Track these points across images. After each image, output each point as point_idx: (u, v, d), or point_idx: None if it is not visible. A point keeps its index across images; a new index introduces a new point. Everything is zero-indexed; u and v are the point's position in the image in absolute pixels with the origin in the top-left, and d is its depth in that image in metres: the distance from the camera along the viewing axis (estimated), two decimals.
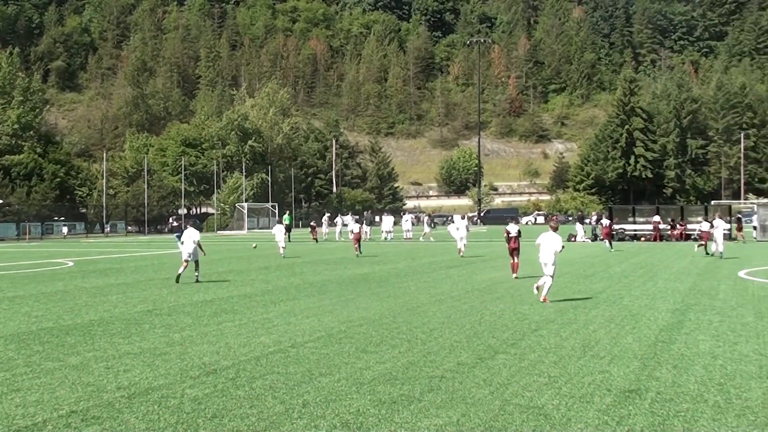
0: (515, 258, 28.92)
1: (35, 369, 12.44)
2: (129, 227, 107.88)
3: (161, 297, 23.21)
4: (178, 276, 27.92)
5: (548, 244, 20.84)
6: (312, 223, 72.90)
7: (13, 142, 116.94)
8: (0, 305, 21.64)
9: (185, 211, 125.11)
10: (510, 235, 29.36)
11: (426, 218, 55.40)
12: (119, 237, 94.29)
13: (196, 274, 28.54)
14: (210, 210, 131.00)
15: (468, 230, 42.79)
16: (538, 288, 21.38)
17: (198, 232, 29.38)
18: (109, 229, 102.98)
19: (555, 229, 21.15)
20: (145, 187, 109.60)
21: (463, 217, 48.49)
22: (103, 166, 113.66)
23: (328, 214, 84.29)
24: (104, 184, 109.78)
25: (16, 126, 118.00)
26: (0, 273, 34.80)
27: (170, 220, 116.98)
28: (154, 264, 39.58)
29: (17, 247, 69.10)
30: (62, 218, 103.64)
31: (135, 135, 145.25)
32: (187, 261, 28.25)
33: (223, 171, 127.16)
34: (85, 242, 77.13)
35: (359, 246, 44.32)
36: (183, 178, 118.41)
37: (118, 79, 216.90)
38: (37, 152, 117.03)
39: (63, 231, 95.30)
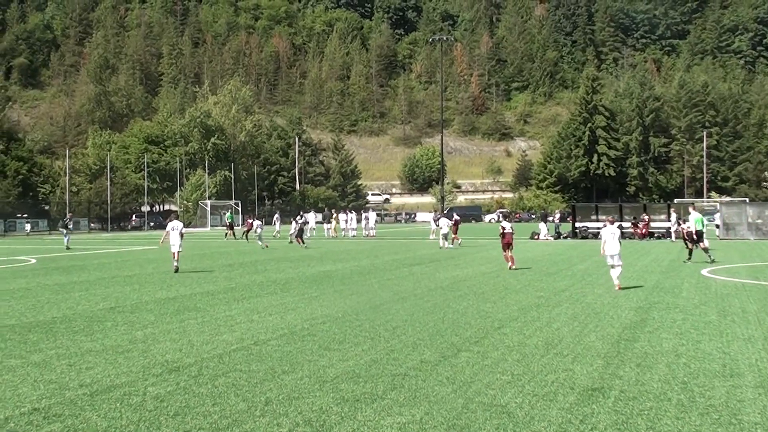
0: (509, 252, 31.74)
1: None
2: (92, 224, 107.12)
3: (124, 294, 23.08)
4: (176, 268, 30.97)
5: (613, 236, 23.38)
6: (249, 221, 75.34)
7: None
8: None
9: (148, 208, 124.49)
10: (504, 231, 31.98)
11: (436, 217, 55.10)
12: (82, 234, 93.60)
13: (176, 264, 31.13)
14: (173, 207, 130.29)
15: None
16: (619, 287, 23.12)
17: (182, 224, 32.53)
18: (71, 226, 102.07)
19: (612, 223, 23.99)
20: (108, 184, 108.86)
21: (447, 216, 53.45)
22: (66, 164, 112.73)
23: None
24: (67, 181, 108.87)
25: None
26: None
27: (133, 217, 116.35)
28: (117, 261, 39.34)
29: None
30: (25, 215, 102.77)
31: (98, 132, 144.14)
32: (174, 252, 31.10)
33: (186, 168, 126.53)
34: (48, 239, 76.50)
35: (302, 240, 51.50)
36: (146, 175, 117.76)
37: (81, 76, 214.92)
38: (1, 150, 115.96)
39: (26, 228, 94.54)
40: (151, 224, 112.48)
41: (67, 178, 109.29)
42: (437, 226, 50.73)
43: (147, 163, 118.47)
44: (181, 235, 31.52)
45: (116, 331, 15.85)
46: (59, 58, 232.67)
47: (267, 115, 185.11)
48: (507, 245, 31.81)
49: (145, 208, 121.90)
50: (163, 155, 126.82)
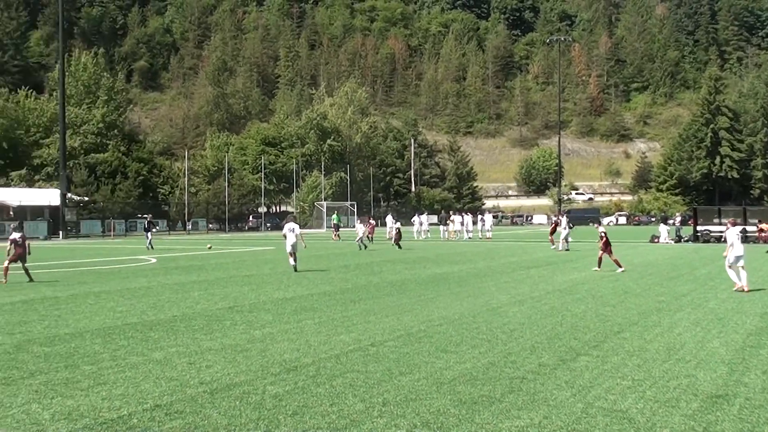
0: (611, 255, 31.99)
1: (120, 363, 12.65)
2: (210, 225, 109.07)
3: (242, 294, 23.41)
4: (294, 267, 31.93)
5: (739, 238, 23.32)
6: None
7: (98, 140, 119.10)
8: (86, 300, 22.06)
9: (265, 209, 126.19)
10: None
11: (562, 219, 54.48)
12: (200, 234, 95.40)
13: (294, 263, 32.01)
14: (289, 208, 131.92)
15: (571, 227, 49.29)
16: (741, 289, 23.05)
17: (298, 225, 33.21)
18: (190, 226, 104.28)
19: (734, 225, 23.95)
20: (226, 185, 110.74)
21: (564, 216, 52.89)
22: (185, 165, 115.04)
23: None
24: (186, 182, 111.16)
25: (101, 125, 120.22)
26: (86, 269, 35.45)
27: (250, 218, 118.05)
28: (235, 261, 39.93)
29: (102, 243, 70.36)
30: (145, 216, 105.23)
31: (216, 134, 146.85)
32: (291, 253, 31.99)
33: (302, 170, 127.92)
34: (167, 239, 78.16)
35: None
36: (263, 176, 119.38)
37: (199, 78, 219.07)
38: (121, 151, 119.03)
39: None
40: (268, 225, 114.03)
41: (185, 179, 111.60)
42: (570, 228, 50.06)
43: (264, 164, 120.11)
44: (298, 236, 32.18)
45: (235, 330, 16.09)
46: (178, 61, 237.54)
47: (383, 116, 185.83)
48: (606, 247, 32.09)
49: (262, 209, 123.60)
50: (279, 157, 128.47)
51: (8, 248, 28.35)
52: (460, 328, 16.32)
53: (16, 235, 28.43)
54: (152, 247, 54.14)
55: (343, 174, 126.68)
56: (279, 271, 32.95)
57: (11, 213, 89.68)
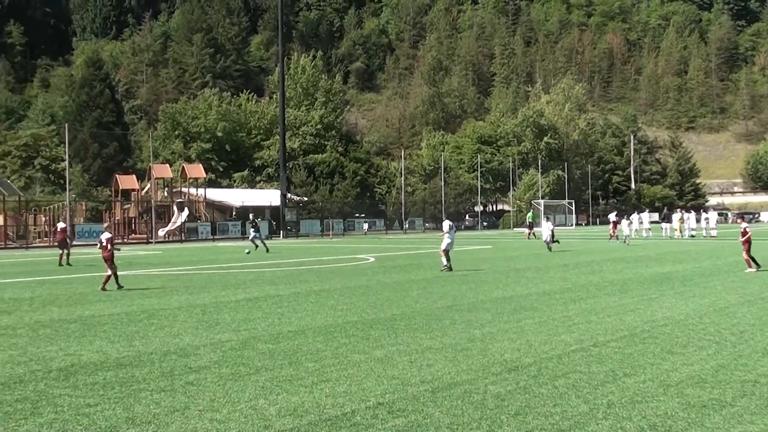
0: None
1: (342, 361, 12.88)
2: (426, 224, 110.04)
3: (461, 293, 23.46)
4: (448, 267, 31.63)
5: None
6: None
7: (317, 141, 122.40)
8: (308, 299, 22.63)
9: (481, 208, 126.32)
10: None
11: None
12: (417, 234, 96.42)
13: (448, 263, 31.96)
14: (506, 207, 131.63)
15: None
16: None
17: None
18: (407, 225, 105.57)
19: None
20: (442, 184, 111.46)
21: None
22: (401, 164, 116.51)
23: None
24: (402, 181, 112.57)
25: (319, 126, 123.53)
26: (307, 268, 36.39)
27: (466, 217, 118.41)
28: (453, 260, 40.09)
29: (321, 243, 72.08)
30: (362, 215, 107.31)
31: (431, 133, 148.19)
32: (445, 251, 31.90)
33: (518, 168, 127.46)
34: (385, 239, 79.37)
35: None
36: (479, 175, 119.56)
37: (415, 78, 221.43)
38: (338, 151, 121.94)
39: (363, 227, 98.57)
40: (485, 224, 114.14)
41: (402, 178, 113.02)
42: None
43: (480, 162, 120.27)
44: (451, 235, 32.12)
45: (454, 329, 16.12)
46: (394, 62, 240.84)
47: (600, 113, 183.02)
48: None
49: (478, 208, 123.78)
50: (495, 155, 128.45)
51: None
52: (686, 328, 15.85)
53: (103, 237, 26.44)
54: (264, 246, 52.78)
55: (560, 172, 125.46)
56: (497, 269, 32.90)
57: (234, 214, 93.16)
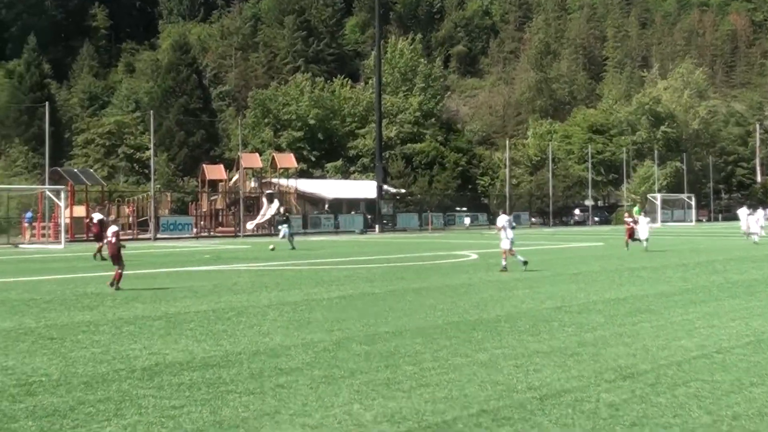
0: None
1: (443, 364, 12.83)
2: (533, 219, 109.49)
3: (570, 293, 23.26)
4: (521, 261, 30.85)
5: None
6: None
7: (415, 129, 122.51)
8: (405, 297, 22.66)
9: (592, 202, 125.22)
10: None
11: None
12: (523, 229, 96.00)
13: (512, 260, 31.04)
14: (620, 201, 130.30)
15: None
16: None
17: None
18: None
19: None
20: (549, 176, 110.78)
21: None
22: (506, 155, 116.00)
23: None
24: (507, 173, 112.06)
25: (417, 113, 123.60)
26: (404, 264, 36.45)
27: (576, 211, 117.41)
28: (561, 258, 39.83)
29: (420, 237, 72.27)
30: (464, 208, 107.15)
31: (538, 121, 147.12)
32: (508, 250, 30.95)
33: (632, 159, 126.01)
34: (488, 234, 79.14)
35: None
36: (590, 166, 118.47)
37: (520, 62, 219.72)
38: (438, 140, 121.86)
39: (465, 222, 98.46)
40: (596, 219, 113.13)
41: (506, 170, 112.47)
42: None
43: (591, 153, 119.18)
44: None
45: (563, 333, 15.97)
46: (498, 45, 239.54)
47: (723, 100, 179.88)
48: None
49: (589, 202, 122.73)
50: (608, 145, 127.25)
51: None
52: None
53: (109, 231, 26.30)
54: (290, 243, 51.46)
55: (678, 163, 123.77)
56: (609, 268, 32.58)
57: (327, 206, 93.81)
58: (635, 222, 55.32)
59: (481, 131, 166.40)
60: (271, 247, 49.14)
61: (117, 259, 24.96)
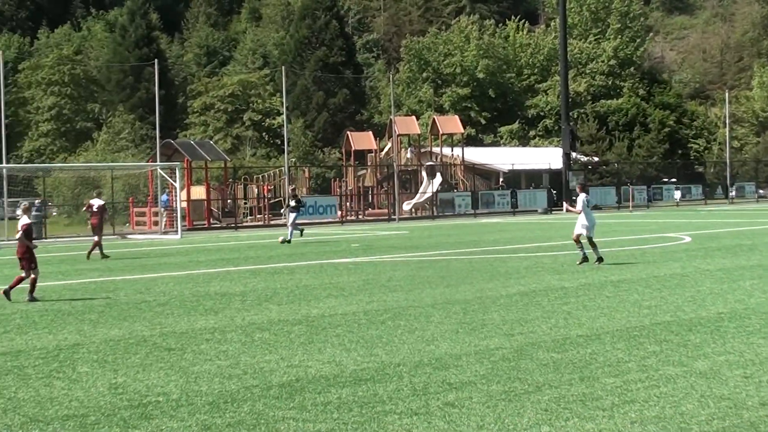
0: None
1: (652, 375, 12.72)
2: (760, 190, 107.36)
3: None
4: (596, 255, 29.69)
5: None
6: None
7: (610, 82, 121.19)
8: (602, 292, 22.52)
9: None
10: None
11: None
12: (747, 203, 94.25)
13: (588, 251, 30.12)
14: None
15: None
16: None
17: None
18: (734, 193, 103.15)
19: None
20: None
21: None
22: (725, 111, 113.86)
23: None
24: (727, 133, 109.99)
25: (612, 62, 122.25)
26: (603, 249, 36.14)
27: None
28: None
29: (618, 216, 71.67)
30: (673, 180, 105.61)
31: (766, 68, 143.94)
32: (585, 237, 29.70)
33: None
34: (703, 211, 77.98)
35: None
36: None
37: None
38: (639, 95, 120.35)
39: (675, 196, 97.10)
40: None
41: (726, 129, 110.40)
42: None
43: None
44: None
45: None
46: None
47: None
48: None
49: None
50: None
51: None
52: None
53: (94, 203, 30.20)
54: (300, 232, 49.70)
55: None
56: None
57: (501, 181, 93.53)
58: None
59: (692, 82, 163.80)
60: (280, 239, 46.92)
61: (99, 230, 27.55)
